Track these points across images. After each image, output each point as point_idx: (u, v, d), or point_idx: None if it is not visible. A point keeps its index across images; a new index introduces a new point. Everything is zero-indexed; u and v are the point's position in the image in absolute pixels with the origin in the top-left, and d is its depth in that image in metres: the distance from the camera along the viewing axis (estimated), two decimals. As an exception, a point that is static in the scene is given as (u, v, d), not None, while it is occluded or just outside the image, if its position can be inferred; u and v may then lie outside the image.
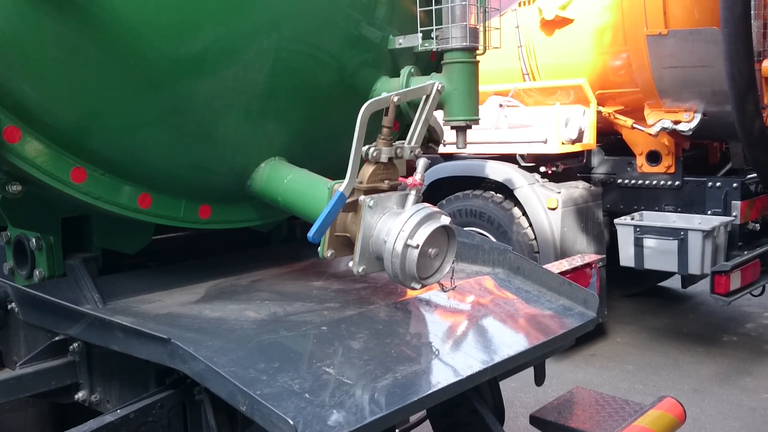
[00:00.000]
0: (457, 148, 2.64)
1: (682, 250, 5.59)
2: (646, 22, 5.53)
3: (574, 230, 6.00)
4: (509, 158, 6.29)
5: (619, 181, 6.49)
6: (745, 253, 5.65)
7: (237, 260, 2.79)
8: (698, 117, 5.71)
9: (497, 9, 2.72)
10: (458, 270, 2.68)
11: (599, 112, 6.20)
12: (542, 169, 6.12)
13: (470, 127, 2.63)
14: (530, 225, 6.04)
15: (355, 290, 2.38)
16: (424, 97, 2.26)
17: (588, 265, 3.25)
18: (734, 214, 5.85)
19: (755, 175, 5.91)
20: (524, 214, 6.09)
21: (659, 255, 5.75)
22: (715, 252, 5.60)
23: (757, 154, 5.49)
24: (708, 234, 5.49)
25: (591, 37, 5.98)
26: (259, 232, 2.86)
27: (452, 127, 2.60)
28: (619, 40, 5.82)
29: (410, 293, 2.40)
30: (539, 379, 3.11)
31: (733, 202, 5.87)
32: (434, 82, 2.27)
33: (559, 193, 5.96)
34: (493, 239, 6.27)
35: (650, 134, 5.92)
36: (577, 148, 6.02)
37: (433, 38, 2.57)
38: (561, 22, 6.10)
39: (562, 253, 5.86)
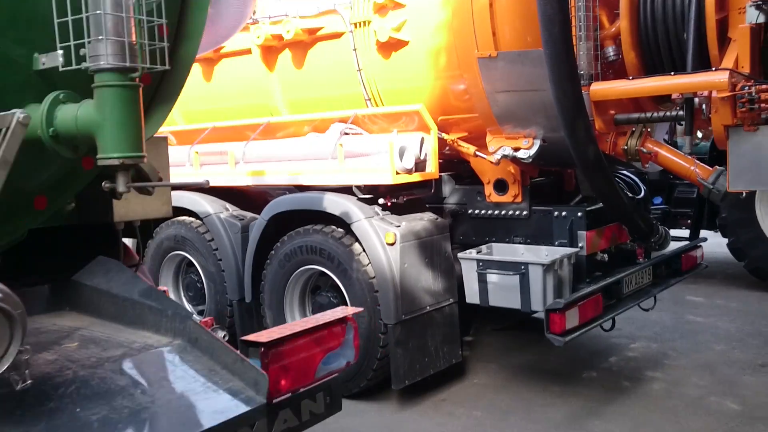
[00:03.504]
0: (118, 191, 2.14)
1: (524, 286, 5.24)
2: (477, 44, 5.21)
3: (416, 266, 5.58)
4: (349, 190, 5.86)
5: (470, 211, 6.12)
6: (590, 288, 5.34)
7: None
8: (537, 143, 5.40)
9: (162, 21, 2.23)
10: (129, 343, 2.18)
11: (443, 140, 5.84)
12: (381, 201, 5.69)
13: (133, 167, 2.14)
14: (371, 262, 5.60)
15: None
16: (3, 131, 1.75)
17: (341, 320, 2.78)
18: (580, 244, 5.54)
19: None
20: (365, 250, 5.65)
21: (502, 291, 5.38)
22: (558, 286, 5.26)
23: (596, 181, 5.20)
24: (548, 267, 5.15)
25: (426, 60, 5.63)
26: None
27: (107, 167, 2.10)
28: (453, 63, 5.48)
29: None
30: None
31: (579, 232, 5.56)
32: (14, 112, 1.76)
33: (398, 226, 5.55)
34: (336, 278, 5.82)
35: (491, 162, 5.58)
36: (415, 177, 5.62)
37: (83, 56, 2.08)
38: (396, 44, 5.72)
39: (402, 292, 5.44)
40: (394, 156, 5.42)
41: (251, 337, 2.54)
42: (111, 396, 1.79)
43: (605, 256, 5.70)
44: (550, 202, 5.89)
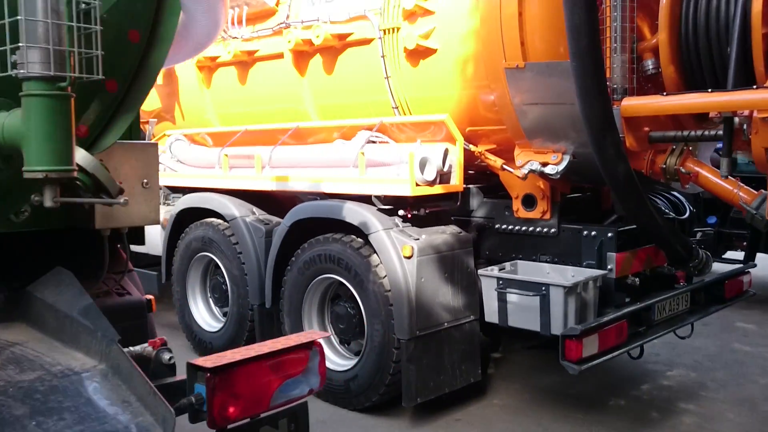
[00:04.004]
0: (45, 205, 2.05)
1: (544, 308, 4.97)
2: (504, 54, 4.97)
3: (434, 281, 5.38)
4: (368, 199, 5.71)
5: (497, 226, 5.87)
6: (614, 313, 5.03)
7: None
8: (567, 159, 5.13)
9: (97, 27, 2.12)
10: (50, 365, 2.08)
11: (471, 151, 5.62)
12: (401, 212, 5.51)
13: (63, 181, 2.04)
14: (387, 275, 5.42)
15: None
16: None
17: (305, 345, 2.63)
18: (609, 267, 5.23)
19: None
20: (382, 262, 5.48)
21: (521, 311, 5.14)
22: (581, 310, 4.98)
23: (627, 201, 4.90)
24: (570, 290, 4.87)
25: (454, 68, 5.42)
26: None
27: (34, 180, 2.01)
28: (481, 73, 5.26)
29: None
30: None
31: (608, 253, 5.25)
32: None
33: (417, 239, 5.35)
34: (353, 289, 5.67)
35: (518, 177, 5.33)
36: (437, 190, 5.43)
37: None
38: (424, 52, 5.54)
39: (418, 307, 5.25)
40: (415, 167, 5.23)
41: (198, 361, 2.42)
42: (0, 428, 1.70)
43: (636, 279, 5.36)
44: (582, 220, 5.59)
